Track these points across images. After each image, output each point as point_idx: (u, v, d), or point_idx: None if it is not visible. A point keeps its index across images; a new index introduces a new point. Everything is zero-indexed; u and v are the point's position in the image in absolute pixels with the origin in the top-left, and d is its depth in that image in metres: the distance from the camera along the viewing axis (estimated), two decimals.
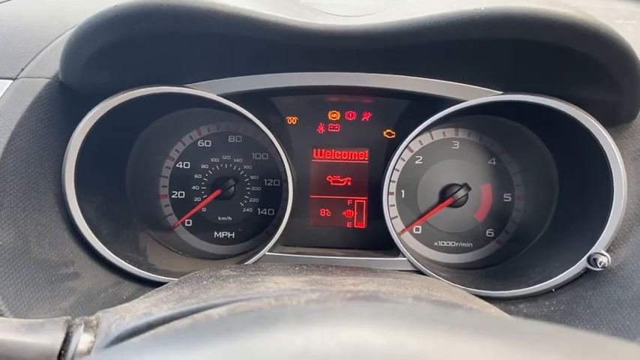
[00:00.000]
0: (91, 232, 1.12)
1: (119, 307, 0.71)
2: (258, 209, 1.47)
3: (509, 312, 1.11)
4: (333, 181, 1.44)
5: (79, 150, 1.11)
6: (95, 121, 1.11)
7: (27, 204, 1.01)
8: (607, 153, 1.07)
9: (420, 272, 1.25)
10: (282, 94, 1.35)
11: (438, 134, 1.42)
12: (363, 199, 1.44)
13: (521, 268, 1.26)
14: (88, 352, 0.64)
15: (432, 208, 1.41)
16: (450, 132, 1.42)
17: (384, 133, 1.42)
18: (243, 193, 1.46)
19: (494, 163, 1.41)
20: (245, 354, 0.36)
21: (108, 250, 1.14)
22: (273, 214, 1.47)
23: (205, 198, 1.44)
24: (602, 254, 1.06)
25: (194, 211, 1.45)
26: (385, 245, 1.32)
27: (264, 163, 1.46)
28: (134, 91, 1.12)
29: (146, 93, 1.13)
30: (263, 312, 0.44)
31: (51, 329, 0.66)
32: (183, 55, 1.07)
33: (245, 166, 1.46)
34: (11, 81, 1.06)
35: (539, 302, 1.12)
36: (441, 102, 1.19)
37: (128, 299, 0.96)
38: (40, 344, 0.64)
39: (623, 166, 1.06)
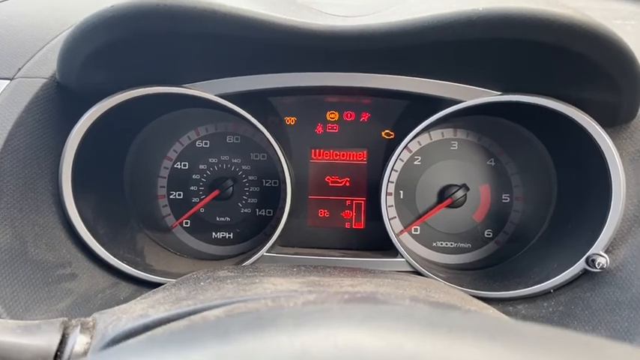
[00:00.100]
0: (88, 232, 1.12)
1: (116, 308, 0.71)
2: (257, 210, 1.46)
3: (508, 313, 1.11)
4: (332, 182, 1.44)
5: (76, 150, 1.11)
6: (92, 121, 1.11)
7: (24, 204, 1.01)
8: (605, 154, 1.07)
9: (418, 273, 1.25)
10: (281, 95, 1.35)
11: (436, 135, 1.42)
12: (362, 200, 1.44)
13: (520, 269, 1.26)
14: (85, 353, 0.63)
15: (431, 208, 1.41)
16: (448, 132, 1.42)
17: (383, 133, 1.41)
18: (242, 193, 1.46)
19: (492, 163, 1.41)
20: (241, 356, 0.36)
21: (105, 251, 1.14)
22: (271, 214, 1.46)
23: (203, 198, 1.44)
24: (601, 255, 1.05)
25: (192, 211, 1.44)
26: (383, 246, 1.32)
27: (263, 163, 1.46)
28: (131, 92, 1.12)
29: (143, 93, 1.12)
30: (260, 314, 0.44)
31: (47, 330, 0.65)
32: (180, 55, 1.07)
33: (243, 167, 1.45)
34: (8, 81, 1.06)
35: (538, 303, 1.12)
36: (440, 102, 1.19)
37: (125, 300, 0.96)
38: (36, 346, 0.63)
39: (621, 167, 1.06)
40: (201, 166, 1.45)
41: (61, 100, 1.09)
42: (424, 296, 0.71)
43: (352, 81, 1.18)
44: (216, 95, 1.17)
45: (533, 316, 1.10)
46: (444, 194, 1.40)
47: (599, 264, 1.05)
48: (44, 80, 1.06)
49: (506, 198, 1.41)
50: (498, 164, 1.41)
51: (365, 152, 1.43)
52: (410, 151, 1.42)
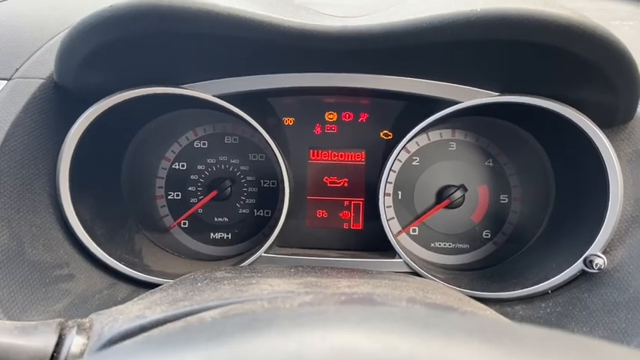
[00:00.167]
0: (85, 233, 1.12)
1: (113, 309, 0.71)
2: (255, 210, 1.46)
3: (505, 314, 1.11)
4: (330, 182, 1.44)
5: (74, 151, 1.10)
6: (90, 121, 1.11)
7: (21, 205, 1.01)
8: (603, 154, 1.07)
9: (416, 274, 1.25)
10: (279, 95, 1.35)
11: (434, 135, 1.42)
12: (360, 201, 1.44)
13: (518, 269, 1.26)
14: (81, 354, 0.63)
15: (429, 209, 1.41)
16: (446, 133, 1.42)
17: (381, 134, 1.41)
18: (240, 194, 1.46)
19: (490, 164, 1.41)
20: (235, 358, 0.36)
21: (103, 252, 1.14)
22: (269, 215, 1.46)
23: (202, 199, 1.44)
24: (598, 256, 1.05)
25: (190, 212, 1.44)
26: (382, 246, 1.32)
27: (261, 164, 1.45)
28: (129, 92, 1.11)
29: (141, 94, 1.12)
30: (255, 315, 0.44)
31: (44, 331, 0.65)
32: (178, 56, 1.07)
33: (241, 167, 1.45)
34: (6, 81, 1.06)
35: (535, 304, 1.12)
36: (438, 103, 1.19)
37: (123, 301, 0.96)
38: (32, 347, 0.63)
39: (619, 168, 1.06)
40: (200, 167, 1.45)
41: (59, 100, 1.09)
42: (421, 297, 0.71)
43: (350, 81, 1.18)
44: (214, 96, 1.17)
45: (531, 317, 1.10)
46: (442, 195, 1.39)
47: (596, 265, 1.05)
48: (42, 81, 1.06)
49: (504, 199, 1.41)
50: (496, 165, 1.41)
51: (363, 153, 1.43)
52: (408, 152, 1.42)
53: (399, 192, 1.43)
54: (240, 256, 1.36)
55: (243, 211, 1.46)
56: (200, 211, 1.46)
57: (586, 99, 1.08)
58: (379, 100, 1.38)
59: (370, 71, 1.16)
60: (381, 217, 1.27)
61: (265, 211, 1.46)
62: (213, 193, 1.42)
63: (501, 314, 0.95)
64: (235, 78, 1.17)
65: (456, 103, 1.16)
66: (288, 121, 1.42)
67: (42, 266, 1.01)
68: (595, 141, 1.08)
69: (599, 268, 1.05)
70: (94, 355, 0.59)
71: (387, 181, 1.29)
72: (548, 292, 1.13)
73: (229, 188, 1.42)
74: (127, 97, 1.11)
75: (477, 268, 1.39)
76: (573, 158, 1.22)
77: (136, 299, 0.78)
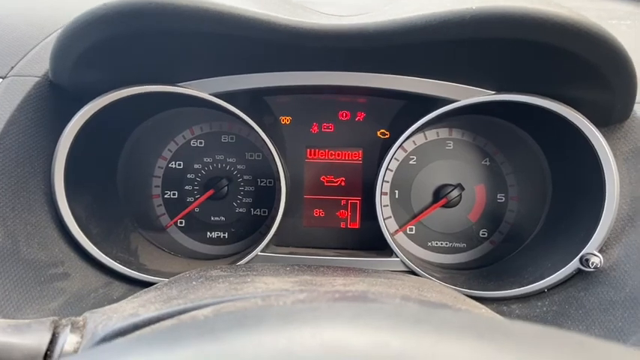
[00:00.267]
0: (80, 231, 1.11)
1: (107, 307, 0.71)
2: (252, 209, 1.46)
3: (502, 313, 1.11)
4: (327, 182, 1.44)
5: (69, 149, 1.10)
6: (85, 120, 1.11)
7: (16, 203, 1.00)
8: (599, 153, 1.07)
9: (413, 273, 1.25)
10: (276, 94, 1.35)
11: (431, 134, 1.42)
12: (357, 200, 1.44)
13: (514, 268, 1.26)
14: (75, 352, 0.63)
15: (426, 208, 1.41)
16: (443, 132, 1.41)
17: (378, 133, 1.41)
18: (237, 193, 1.45)
19: (487, 163, 1.41)
20: (225, 355, 0.36)
21: (98, 250, 1.13)
22: (266, 214, 1.46)
23: (198, 198, 1.44)
24: (595, 255, 1.05)
25: (187, 211, 1.44)
26: (378, 245, 1.32)
27: (258, 163, 1.45)
28: (124, 90, 1.11)
29: (137, 92, 1.12)
30: (247, 313, 0.44)
31: (37, 330, 0.65)
32: (174, 54, 1.06)
33: (238, 166, 1.45)
34: (0, 79, 1.05)
35: (532, 303, 1.12)
36: (435, 102, 1.18)
37: (118, 300, 0.95)
38: (26, 345, 0.63)
39: (615, 167, 1.06)
40: (196, 166, 1.45)
41: (54, 98, 1.08)
42: (416, 295, 0.71)
43: (347, 80, 1.18)
44: (210, 94, 1.17)
45: (527, 316, 1.09)
46: (439, 194, 1.39)
47: (592, 263, 1.05)
48: (37, 79, 1.05)
49: (501, 198, 1.41)
50: (493, 164, 1.41)
51: (360, 152, 1.42)
52: (405, 151, 1.42)
53: (396, 191, 1.43)
54: (237, 255, 1.36)
55: (240, 210, 1.46)
56: (197, 210, 1.45)
57: (582, 97, 1.08)
58: (376, 99, 1.38)
59: (367, 70, 1.16)
60: (378, 216, 1.27)
61: (262, 210, 1.46)
62: (210, 192, 1.41)
63: (498, 313, 0.95)
64: (232, 76, 1.17)
65: (453, 101, 1.16)
66: (285, 119, 1.42)
67: (37, 265, 1.00)
68: (591, 139, 1.08)
69: (596, 267, 1.05)
70: (83, 353, 0.58)
71: (383, 180, 1.29)
72: (544, 291, 1.13)
73: (226, 187, 1.42)
74: (122, 96, 1.11)
75: (474, 267, 1.39)
76: (570, 157, 1.22)
77: (130, 297, 0.78)
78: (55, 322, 0.67)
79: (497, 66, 1.08)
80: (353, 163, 1.43)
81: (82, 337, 0.65)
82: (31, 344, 0.63)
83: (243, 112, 1.21)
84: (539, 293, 1.13)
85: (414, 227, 1.43)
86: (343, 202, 1.44)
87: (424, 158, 1.42)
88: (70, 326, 0.66)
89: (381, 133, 1.41)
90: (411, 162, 1.42)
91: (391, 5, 1.13)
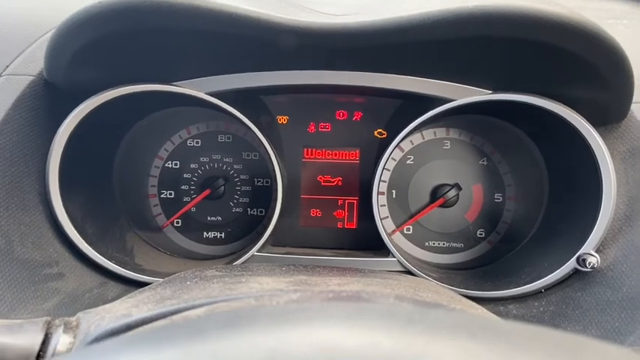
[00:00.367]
0: (75, 231, 1.11)
1: (100, 307, 0.70)
2: (248, 209, 1.46)
3: (499, 313, 1.10)
4: (324, 181, 1.43)
5: (64, 148, 1.09)
6: (80, 119, 1.10)
7: (10, 203, 1.00)
8: (596, 153, 1.07)
9: (410, 273, 1.24)
10: (273, 93, 1.34)
11: (429, 134, 1.41)
12: (354, 199, 1.43)
13: (512, 268, 1.25)
14: (68, 353, 0.63)
15: (423, 208, 1.41)
16: (440, 132, 1.41)
17: (375, 132, 1.41)
18: (233, 192, 1.45)
19: (485, 163, 1.40)
20: (215, 355, 0.35)
21: (93, 250, 1.13)
22: (263, 214, 1.46)
23: (195, 198, 1.43)
24: (592, 255, 1.05)
25: (183, 210, 1.43)
26: (375, 245, 1.31)
27: (255, 162, 1.45)
28: (120, 89, 1.11)
29: (132, 91, 1.11)
30: (239, 313, 0.43)
31: (30, 330, 0.65)
32: (169, 53, 1.06)
33: (235, 166, 1.44)
34: None
35: (529, 303, 1.12)
36: (432, 101, 1.18)
37: (113, 300, 0.95)
38: (18, 345, 0.63)
39: (612, 167, 1.06)
40: (193, 165, 1.44)
41: (49, 97, 1.08)
42: (411, 295, 0.71)
43: (344, 79, 1.17)
44: (206, 93, 1.16)
45: (524, 316, 1.09)
46: (436, 194, 1.39)
47: (589, 263, 1.04)
48: (32, 78, 1.05)
49: (498, 197, 1.40)
50: (490, 164, 1.40)
51: (357, 151, 1.42)
52: (402, 151, 1.41)
53: (393, 191, 1.42)
54: (233, 255, 1.36)
55: (237, 210, 1.45)
56: (193, 209, 1.45)
57: (579, 97, 1.08)
58: (373, 98, 1.38)
59: (364, 69, 1.16)
60: (375, 216, 1.26)
61: (259, 210, 1.46)
62: (207, 192, 1.41)
63: (494, 313, 0.95)
64: (228, 75, 1.16)
65: (450, 101, 1.16)
66: (282, 119, 1.41)
67: (31, 264, 1.00)
68: (588, 139, 1.08)
69: (593, 267, 1.04)
70: (74, 354, 0.58)
71: (380, 180, 1.28)
72: (541, 291, 1.12)
73: (222, 187, 1.41)
74: (117, 95, 1.11)
75: (471, 267, 1.39)
76: (567, 157, 1.21)
77: (124, 298, 0.77)
78: (47, 322, 0.66)
79: (495, 65, 1.08)
80: (350, 162, 1.42)
81: (74, 338, 0.64)
82: (23, 344, 0.63)
83: (240, 112, 1.20)
84: (537, 293, 1.13)
85: (411, 227, 1.43)
86: (340, 202, 1.43)
87: (421, 158, 1.41)
88: (63, 326, 0.66)
89: (379, 133, 1.41)
90: (408, 162, 1.42)
91: (388, 5, 1.12)
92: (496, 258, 1.36)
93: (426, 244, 1.43)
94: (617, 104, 1.04)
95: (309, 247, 1.41)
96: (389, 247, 1.25)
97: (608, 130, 1.10)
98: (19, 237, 1.00)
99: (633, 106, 1.06)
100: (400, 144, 1.36)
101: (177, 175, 1.44)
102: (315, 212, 1.43)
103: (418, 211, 1.41)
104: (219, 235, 1.46)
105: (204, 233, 1.46)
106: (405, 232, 1.43)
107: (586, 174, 1.10)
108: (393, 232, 1.42)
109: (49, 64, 1.02)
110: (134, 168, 1.42)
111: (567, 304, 1.06)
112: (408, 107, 1.33)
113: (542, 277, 1.11)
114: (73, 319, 0.68)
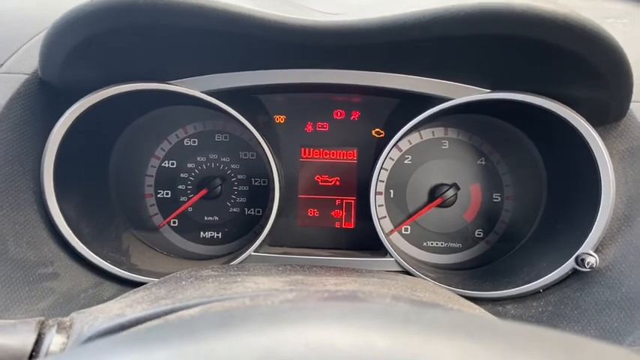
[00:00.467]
0: (70, 231, 1.10)
1: (94, 307, 0.70)
2: (246, 209, 1.45)
3: (497, 313, 1.10)
4: (322, 181, 1.43)
5: (59, 147, 1.09)
6: (75, 117, 1.09)
7: (4, 202, 0.99)
8: (595, 152, 1.06)
9: (408, 273, 1.24)
10: (269, 92, 1.34)
11: (427, 134, 1.41)
12: (352, 199, 1.42)
13: (510, 268, 1.25)
14: (61, 353, 0.62)
15: (421, 208, 1.40)
16: (439, 131, 1.41)
17: (373, 132, 1.40)
18: (230, 192, 1.44)
19: (483, 162, 1.40)
20: (207, 355, 0.34)
21: (88, 250, 1.12)
22: (260, 214, 1.45)
23: (191, 197, 1.42)
24: (590, 255, 1.04)
25: (180, 210, 1.43)
26: (373, 245, 1.31)
27: (252, 162, 1.44)
28: (115, 88, 1.10)
29: (127, 90, 1.10)
30: (233, 312, 0.42)
31: (22, 330, 0.64)
32: (165, 51, 1.05)
33: (232, 166, 1.44)
34: None
35: (527, 303, 1.11)
36: (430, 100, 1.17)
37: (109, 300, 0.94)
38: (10, 345, 0.62)
39: (611, 166, 1.05)
40: (190, 165, 1.43)
41: (44, 96, 1.07)
42: (408, 295, 0.70)
43: (342, 78, 1.16)
44: (202, 92, 1.16)
45: (523, 316, 1.08)
46: (434, 193, 1.38)
47: (588, 263, 1.04)
48: (26, 76, 1.04)
49: (496, 197, 1.40)
50: (489, 163, 1.40)
51: (355, 151, 1.41)
52: (400, 150, 1.41)
53: (391, 190, 1.42)
54: (230, 255, 1.35)
55: (234, 209, 1.44)
56: (190, 209, 1.44)
57: (578, 96, 1.07)
58: (371, 98, 1.37)
59: (361, 68, 1.15)
60: (373, 216, 1.26)
61: (256, 209, 1.45)
62: (203, 192, 1.40)
63: (493, 313, 0.94)
64: (224, 74, 1.16)
65: (448, 100, 1.15)
66: (279, 118, 1.40)
67: (25, 264, 0.99)
68: (587, 139, 1.07)
69: (591, 267, 1.04)
70: (64, 354, 0.57)
71: (378, 180, 1.28)
72: (539, 291, 1.12)
73: (219, 187, 1.41)
74: (113, 93, 1.10)
75: (469, 267, 1.38)
76: (566, 156, 1.21)
77: (118, 297, 0.77)
78: (41, 322, 0.66)
79: (493, 64, 1.07)
80: (348, 162, 1.42)
81: (68, 338, 0.64)
82: (15, 345, 0.62)
83: (237, 111, 1.20)
84: (535, 293, 1.12)
85: (409, 227, 1.42)
86: (338, 201, 1.43)
87: (419, 157, 1.41)
88: (56, 326, 0.65)
89: (376, 132, 1.40)
90: (406, 161, 1.41)
91: (389, 3, 1.12)
92: (494, 258, 1.35)
93: (424, 244, 1.42)
94: (616, 103, 1.04)
95: (307, 247, 1.41)
96: (387, 247, 1.24)
97: (607, 130, 1.09)
98: (13, 236, 0.99)
99: (632, 106, 1.05)
100: (398, 143, 1.36)
101: (174, 175, 1.43)
102: (313, 212, 1.43)
103: (416, 211, 1.40)
104: (216, 235, 1.45)
105: (201, 233, 1.45)
106: (403, 232, 1.42)
107: (585, 173, 1.09)
108: (391, 232, 1.41)
109: (43, 63, 1.01)
110: (130, 167, 1.41)
111: (566, 305, 1.05)
112: (405, 106, 1.32)
113: (541, 277, 1.10)
114: (66, 319, 0.67)
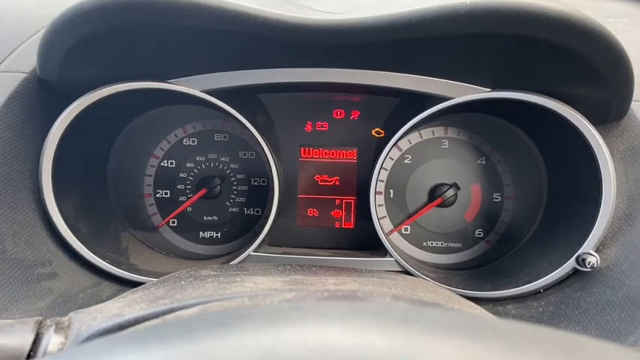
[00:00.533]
0: (69, 230, 1.10)
1: (92, 307, 0.69)
2: (245, 209, 1.44)
3: (497, 313, 1.09)
4: (321, 181, 1.42)
5: (57, 146, 1.08)
6: (74, 116, 1.09)
7: (2, 201, 0.98)
8: (596, 152, 1.06)
9: (408, 273, 1.23)
10: (269, 91, 1.33)
11: (427, 133, 1.40)
12: (352, 199, 1.42)
13: (510, 268, 1.24)
14: (59, 353, 0.62)
15: (421, 207, 1.40)
16: (439, 131, 1.40)
17: (373, 131, 1.40)
18: (230, 192, 1.44)
19: (483, 162, 1.39)
20: (206, 355, 0.34)
21: (87, 250, 1.11)
22: (259, 213, 1.44)
23: (191, 197, 1.42)
24: (591, 254, 1.04)
25: (179, 210, 1.42)
26: (373, 245, 1.31)
27: (251, 161, 1.43)
28: (114, 87, 1.09)
29: (126, 88, 1.10)
30: (232, 312, 0.42)
31: (20, 330, 0.64)
32: (164, 49, 1.04)
33: (231, 165, 1.43)
34: None
35: (528, 303, 1.10)
36: (430, 100, 1.17)
37: (107, 300, 0.94)
38: (8, 345, 0.62)
39: (612, 165, 1.05)
40: (189, 165, 1.43)
41: (42, 95, 1.06)
42: (408, 294, 0.70)
43: (341, 77, 1.16)
44: (202, 91, 1.15)
45: (523, 316, 1.08)
46: (434, 193, 1.38)
47: (589, 263, 1.03)
48: (25, 75, 1.04)
49: (497, 197, 1.39)
50: (489, 163, 1.39)
51: (355, 151, 1.41)
52: (400, 150, 1.40)
53: (391, 190, 1.41)
54: (230, 255, 1.35)
55: (233, 209, 1.44)
56: (189, 209, 1.44)
57: (579, 95, 1.07)
58: (371, 97, 1.36)
59: (361, 67, 1.14)
60: (373, 215, 1.25)
61: (255, 209, 1.44)
62: (203, 192, 1.40)
63: (493, 314, 0.93)
64: (224, 73, 1.15)
65: (448, 99, 1.15)
66: (279, 118, 1.40)
67: (23, 264, 0.98)
68: (588, 138, 1.07)
69: (592, 267, 1.03)
70: (66, 352, 0.57)
71: (378, 180, 1.27)
72: (540, 291, 1.11)
73: (219, 186, 1.40)
74: (111, 92, 1.09)
75: (469, 267, 1.38)
76: (566, 156, 1.20)
77: (117, 297, 0.76)
78: (39, 322, 0.65)
79: (493, 63, 1.07)
80: (347, 162, 1.41)
81: (66, 338, 0.63)
82: (13, 345, 0.62)
83: (236, 110, 1.19)
84: (535, 293, 1.12)
85: (409, 227, 1.42)
86: (337, 201, 1.42)
87: (419, 157, 1.40)
88: (54, 326, 0.65)
89: (376, 132, 1.39)
90: (406, 161, 1.41)
91: (389, 2, 1.11)
92: (494, 258, 1.35)
93: (424, 244, 1.42)
94: (616, 102, 1.03)
95: (306, 247, 1.40)
96: (386, 247, 1.24)
97: (607, 129, 1.09)
98: (11, 236, 0.98)
99: (633, 105, 1.05)
100: (398, 143, 1.35)
101: (173, 175, 1.43)
102: (312, 212, 1.42)
103: (416, 211, 1.40)
104: (215, 234, 1.45)
105: (200, 233, 1.45)
106: (403, 232, 1.42)
107: (585, 173, 1.09)
108: (391, 231, 1.41)
109: (42, 61, 1.00)
110: (129, 167, 1.40)
111: (567, 305, 1.04)
112: (405, 106, 1.32)
113: (542, 277, 1.10)
114: (64, 319, 0.67)
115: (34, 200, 1.07)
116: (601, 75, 0.96)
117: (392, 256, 1.24)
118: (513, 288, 1.12)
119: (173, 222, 1.44)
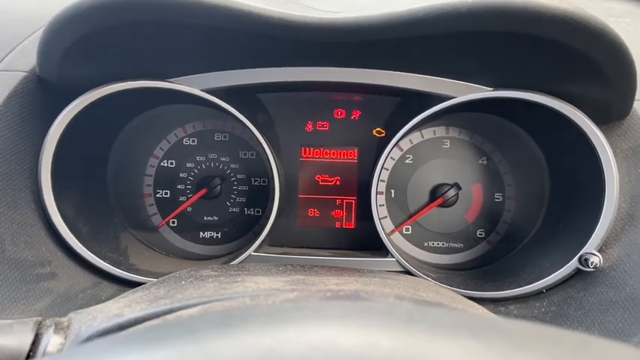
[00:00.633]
0: (68, 230, 1.09)
1: (92, 307, 0.69)
2: (245, 209, 1.44)
3: (499, 313, 1.09)
4: (322, 181, 1.42)
5: (57, 146, 1.08)
6: (73, 116, 1.08)
7: (1, 201, 0.98)
8: (599, 151, 1.05)
9: (409, 273, 1.23)
10: (269, 91, 1.33)
11: (428, 133, 1.40)
12: (352, 199, 1.41)
13: (512, 268, 1.24)
14: (58, 353, 0.61)
15: (422, 208, 1.39)
16: (440, 130, 1.40)
17: (374, 131, 1.39)
18: (230, 192, 1.43)
19: (485, 162, 1.39)
20: (207, 355, 0.34)
21: (86, 250, 1.11)
22: (260, 214, 1.44)
23: (191, 197, 1.41)
24: (594, 254, 1.03)
25: (179, 210, 1.42)
26: (374, 246, 1.30)
27: (251, 161, 1.43)
28: (113, 86, 1.09)
29: (126, 87, 1.09)
30: (233, 312, 0.41)
31: (19, 330, 0.63)
32: (164, 48, 1.04)
33: (232, 165, 1.43)
34: None
35: (530, 303, 1.10)
36: (431, 99, 1.16)
37: (107, 300, 0.93)
38: (7, 346, 0.61)
39: (615, 165, 1.04)
40: (189, 165, 1.42)
41: (42, 94, 1.06)
42: (411, 294, 0.69)
43: (342, 76, 1.15)
44: (201, 90, 1.15)
45: (526, 317, 1.08)
46: (435, 193, 1.37)
47: (592, 263, 1.03)
48: (24, 74, 1.03)
49: (498, 197, 1.39)
50: (490, 163, 1.39)
51: (356, 151, 1.40)
52: (401, 150, 1.40)
53: (392, 190, 1.41)
54: (230, 255, 1.34)
55: (233, 209, 1.43)
56: (189, 209, 1.43)
57: (582, 94, 1.06)
58: (372, 97, 1.36)
59: (362, 66, 1.14)
60: (374, 216, 1.25)
61: (256, 209, 1.44)
62: (203, 192, 1.39)
63: (495, 314, 0.93)
64: (224, 72, 1.15)
65: (450, 98, 1.14)
66: (279, 117, 1.39)
67: (23, 264, 0.98)
68: (591, 137, 1.06)
69: (595, 267, 1.03)
70: (66, 353, 0.56)
71: (379, 180, 1.27)
72: (542, 292, 1.11)
73: (219, 186, 1.40)
74: (111, 91, 1.09)
75: (471, 267, 1.37)
76: (568, 155, 1.20)
77: (117, 297, 0.76)
78: (38, 322, 0.65)
79: (496, 62, 1.06)
80: (348, 162, 1.41)
81: (65, 338, 0.63)
82: (12, 345, 0.61)
83: (237, 110, 1.19)
84: (538, 294, 1.11)
85: (410, 227, 1.41)
86: (338, 201, 1.42)
87: (420, 157, 1.40)
88: (53, 327, 0.64)
89: (377, 132, 1.39)
90: (407, 161, 1.40)
91: (390, 1, 1.11)
92: (496, 258, 1.34)
93: (425, 244, 1.41)
94: (619, 102, 1.03)
95: (307, 247, 1.40)
96: (388, 247, 1.23)
97: (610, 128, 1.08)
98: (10, 236, 0.98)
99: (636, 104, 1.04)
100: (399, 143, 1.35)
101: (173, 175, 1.42)
102: (313, 212, 1.42)
103: (417, 211, 1.40)
104: (215, 235, 1.44)
105: (201, 233, 1.44)
106: (404, 232, 1.41)
107: (588, 172, 1.09)
108: (392, 232, 1.40)
109: (41, 60, 1.00)
110: (129, 166, 1.40)
111: (569, 305, 1.04)
112: (407, 105, 1.32)
113: (544, 277, 1.09)
114: (64, 319, 0.66)
115: (34, 200, 1.06)
116: (604, 74, 0.95)
117: (393, 257, 1.23)
118: (515, 288, 1.12)
119: (173, 222, 1.44)
